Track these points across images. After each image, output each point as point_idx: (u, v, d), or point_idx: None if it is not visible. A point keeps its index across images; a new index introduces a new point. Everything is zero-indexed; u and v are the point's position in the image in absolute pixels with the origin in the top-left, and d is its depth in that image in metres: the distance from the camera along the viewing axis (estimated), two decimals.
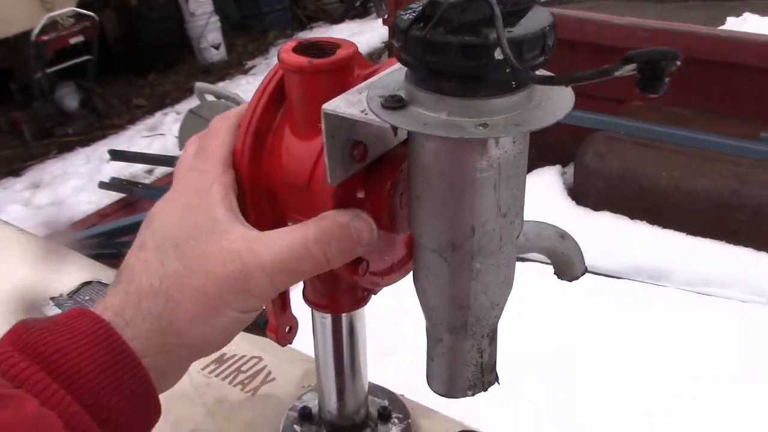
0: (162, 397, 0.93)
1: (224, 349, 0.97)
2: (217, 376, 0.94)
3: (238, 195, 0.66)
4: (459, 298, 0.61)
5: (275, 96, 0.65)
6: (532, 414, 2.03)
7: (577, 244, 0.69)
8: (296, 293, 0.77)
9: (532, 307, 2.47)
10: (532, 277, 2.62)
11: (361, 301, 0.74)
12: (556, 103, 0.53)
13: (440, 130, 0.51)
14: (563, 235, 0.68)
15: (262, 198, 0.67)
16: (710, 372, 2.16)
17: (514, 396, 2.13)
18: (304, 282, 0.74)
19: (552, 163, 3.42)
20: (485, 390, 0.68)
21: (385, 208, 0.66)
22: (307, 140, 0.64)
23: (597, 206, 3.09)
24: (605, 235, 2.88)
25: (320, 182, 0.63)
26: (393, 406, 0.86)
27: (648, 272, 2.71)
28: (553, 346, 2.30)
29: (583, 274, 0.69)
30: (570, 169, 3.37)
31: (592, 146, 3.21)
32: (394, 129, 0.60)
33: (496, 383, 0.68)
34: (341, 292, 0.72)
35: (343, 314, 0.75)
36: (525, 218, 0.66)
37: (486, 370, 0.67)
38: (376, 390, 0.88)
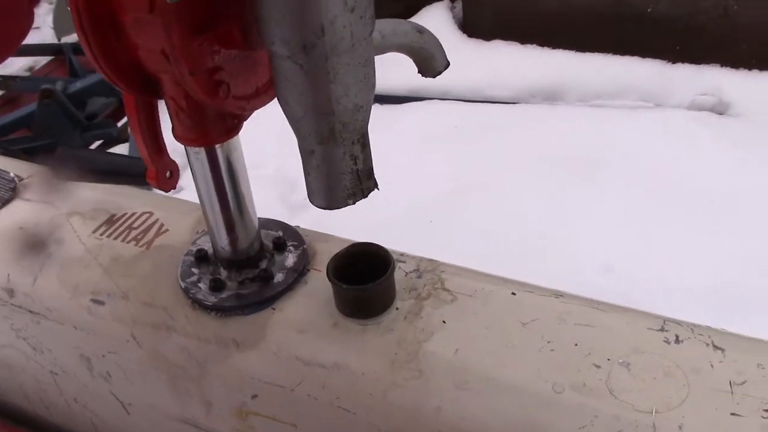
0: (59, 266, 0.92)
1: (113, 210, 0.96)
2: (109, 236, 0.93)
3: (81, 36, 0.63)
4: (321, 103, 0.61)
5: None
6: (440, 239, 2.09)
7: (435, 38, 0.68)
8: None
9: (435, 144, 2.51)
10: (433, 115, 2.65)
11: (232, 129, 0.73)
12: None
13: None
14: (420, 30, 0.67)
15: (107, 33, 0.64)
16: (606, 172, 2.25)
17: (425, 226, 2.18)
18: (171, 119, 0.72)
19: None
20: (365, 196, 0.68)
21: (236, 25, 0.64)
22: None
23: (488, 36, 3.09)
24: (499, 63, 2.90)
25: (162, 4, 0.60)
26: (287, 236, 0.87)
27: (543, 94, 2.76)
28: (460, 174, 2.34)
29: (445, 68, 0.69)
30: (459, 3, 3.33)
31: None
32: None
33: (376, 189, 0.69)
34: (209, 121, 0.71)
35: (217, 146, 0.74)
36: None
37: (363, 176, 0.67)
38: (269, 223, 0.89)
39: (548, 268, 1.91)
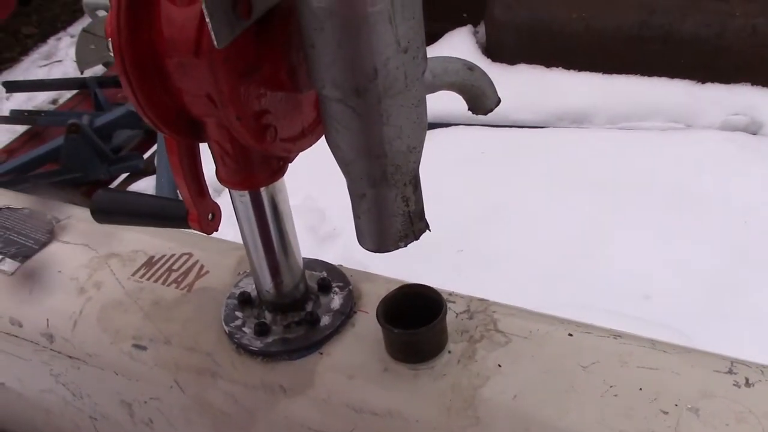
0: (98, 310, 0.91)
1: (151, 252, 0.94)
2: (148, 279, 0.92)
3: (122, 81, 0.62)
4: (374, 147, 0.59)
5: None
6: (471, 268, 2.06)
7: (486, 75, 0.66)
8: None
9: (462, 170, 2.48)
10: (460, 141, 2.63)
11: (278, 172, 0.71)
12: None
13: None
14: (471, 68, 0.65)
15: (151, 77, 0.63)
16: (639, 196, 2.22)
17: (455, 253, 2.16)
18: (215, 162, 0.70)
19: (462, 24, 3.36)
20: (417, 238, 0.66)
21: (283, 67, 0.62)
22: (186, 5, 0.60)
23: (512, 60, 3.07)
24: (524, 87, 2.87)
25: (208, 48, 0.58)
26: (332, 277, 0.85)
27: (571, 117, 2.73)
28: (487, 201, 2.32)
29: (496, 105, 0.67)
30: (481, 28, 3.32)
31: None
32: None
33: (427, 230, 0.67)
34: (255, 165, 0.69)
35: (262, 189, 0.72)
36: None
37: (415, 218, 0.65)
38: (313, 264, 0.87)
39: (583, 297, 1.88)
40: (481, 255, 2.15)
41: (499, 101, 0.68)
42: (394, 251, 0.66)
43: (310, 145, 0.71)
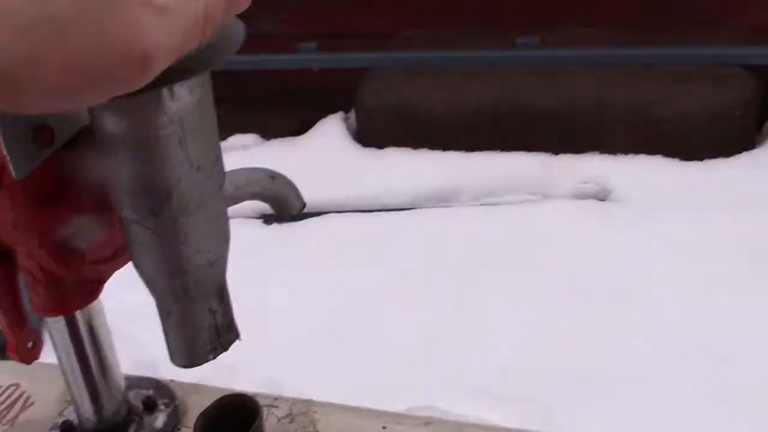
0: None
1: None
2: None
3: None
4: (173, 264, 0.60)
5: None
6: (338, 361, 2.06)
7: (289, 181, 0.69)
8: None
9: (331, 259, 2.50)
10: (330, 228, 2.65)
11: (92, 293, 0.71)
12: (227, 40, 0.50)
13: None
14: (273, 176, 0.68)
15: None
16: (501, 272, 2.30)
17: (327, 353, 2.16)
18: (28, 291, 0.69)
19: (334, 111, 3.43)
20: (226, 350, 0.66)
21: (87, 192, 0.63)
22: None
23: (381, 144, 3.14)
24: (393, 170, 2.94)
25: (10, 180, 0.58)
26: (158, 394, 0.83)
27: (437, 197, 2.81)
28: (357, 289, 2.34)
29: (301, 210, 0.70)
30: (352, 114, 3.39)
31: (368, 85, 3.24)
32: None
33: (237, 340, 0.68)
34: (67, 290, 0.69)
35: (77, 312, 0.71)
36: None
37: (222, 329, 0.66)
38: (140, 382, 0.84)
39: (448, 374, 1.91)
40: (346, 347, 2.15)
41: (303, 205, 0.71)
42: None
43: (125, 264, 0.71)
